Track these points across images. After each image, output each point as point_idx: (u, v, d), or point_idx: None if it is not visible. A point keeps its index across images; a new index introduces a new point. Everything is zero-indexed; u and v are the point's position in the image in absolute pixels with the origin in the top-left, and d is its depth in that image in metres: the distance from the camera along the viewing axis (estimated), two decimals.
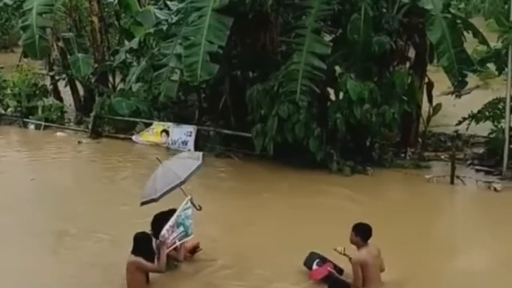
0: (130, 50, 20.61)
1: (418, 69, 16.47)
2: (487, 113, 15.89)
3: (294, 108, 15.12)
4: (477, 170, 15.55)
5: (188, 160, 10.85)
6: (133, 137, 18.96)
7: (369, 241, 9.76)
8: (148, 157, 17.60)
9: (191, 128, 18.04)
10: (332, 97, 16.24)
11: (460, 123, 16.64)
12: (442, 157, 16.45)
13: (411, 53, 16.65)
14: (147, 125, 18.95)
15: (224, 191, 14.59)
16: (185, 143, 17.94)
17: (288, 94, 15.05)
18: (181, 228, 10.18)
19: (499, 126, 15.67)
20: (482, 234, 12.21)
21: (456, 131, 17.25)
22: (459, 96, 16.61)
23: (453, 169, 14.80)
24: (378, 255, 9.82)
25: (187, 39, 15.67)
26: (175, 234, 10.09)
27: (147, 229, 10.36)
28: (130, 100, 19.64)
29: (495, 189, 14.39)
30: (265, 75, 16.22)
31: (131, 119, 19.34)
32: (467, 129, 16.61)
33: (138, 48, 20.12)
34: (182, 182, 10.39)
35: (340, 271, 10.13)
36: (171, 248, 10.04)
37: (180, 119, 18.78)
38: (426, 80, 16.99)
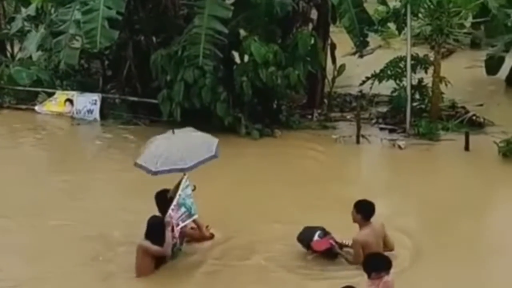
0: (28, 17, 19.85)
1: (321, 30, 16.60)
2: (389, 72, 16.13)
3: (200, 73, 14.98)
4: (382, 129, 15.88)
5: (202, 147, 9.95)
6: (36, 108, 18.32)
7: (372, 219, 9.29)
8: (53, 127, 17.20)
9: (96, 96, 17.58)
10: (238, 61, 16.17)
11: (363, 83, 16.84)
12: (348, 117, 16.68)
13: (314, 15, 16.74)
14: (50, 94, 18.35)
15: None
16: (90, 111, 17.51)
17: (191, 58, 14.85)
18: (183, 209, 9.68)
19: (401, 84, 15.97)
20: (388, 190, 12.61)
21: (360, 91, 17.52)
22: (361, 56, 16.85)
23: (358, 128, 15.09)
24: (382, 233, 9.35)
25: (85, 4, 15.19)
26: (177, 216, 9.62)
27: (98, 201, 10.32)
28: (30, 69, 18.89)
29: (399, 147, 14.74)
30: (168, 40, 15.97)
31: (33, 89, 18.67)
32: (370, 88, 16.84)
33: (36, 14, 19.42)
34: (184, 169, 9.65)
35: (341, 246, 9.64)
36: (178, 230, 9.66)
37: (84, 88, 18.25)
38: (330, 41, 17.16)
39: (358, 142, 15.02)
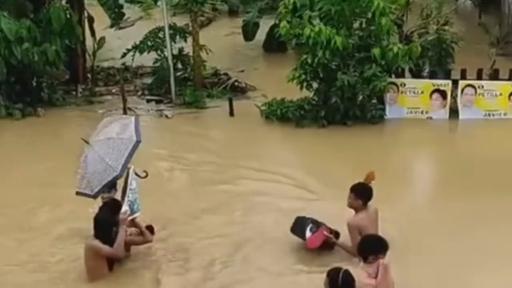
0: None
1: (76, 4, 16.10)
2: (149, 43, 16.03)
3: None
4: (149, 100, 15.85)
5: (118, 142, 8.73)
6: None
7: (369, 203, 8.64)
8: None
9: None
10: None
11: (124, 55, 16.61)
12: (114, 90, 16.44)
13: None
14: None
15: None
16: None
17: None
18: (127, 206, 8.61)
19: (163, 55, 15.98)
20: (160, 158, 12.50)
21: (123, 64, 17.30)
22: (118, 28, 16.60)
23: (124, 101, 14.92)
24: (377, 215, 8.72)
25: None
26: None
27: None
28: None
29: (166, 116, 14.84)
30: None
31: None
32: (132, 60, 16.66)
33: None
34: (119, 176, 8.61)
35: (336, 234, 8.88)
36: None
37: None
38: (86, 14, 16.72)
39: (125, 114, 14.86)
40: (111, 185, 8.80)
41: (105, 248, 8.36)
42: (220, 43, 18.83)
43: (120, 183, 8.86)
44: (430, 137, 13.35)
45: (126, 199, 8.57)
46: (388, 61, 13.23)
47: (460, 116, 13.84)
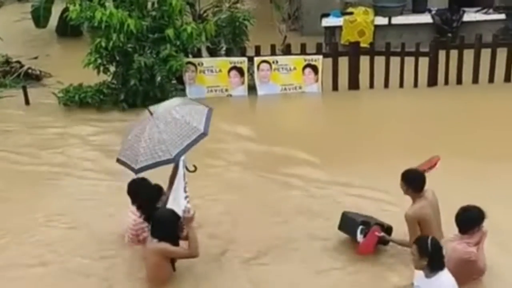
0: None
1: None
2: None
3: None
4: None
5: (183, 126, 7.97)
6: None
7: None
8: None
9: None
10: None
11: None
12: None
13: None
14: None
15: None
16: None
17: None
18: None
19: None
20: None
21: None
22: None
23: None
24: (436, 201, 8.05)
25: None
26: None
27: None
28: None
29: None
30: None
31: None
32: None
33: None
34: (172, 161, 7.88)
35: (389, 229, 8.29)
36: None
37: None
38: None
39: None
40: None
41: (178, 250, 7.73)
42: (10, 29, 17.97)
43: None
44: (231, 113, 13.60)
45: (183, 194, 7.97)
46: (183, 41, 13.27)
47: (258, 92, 14.20)
